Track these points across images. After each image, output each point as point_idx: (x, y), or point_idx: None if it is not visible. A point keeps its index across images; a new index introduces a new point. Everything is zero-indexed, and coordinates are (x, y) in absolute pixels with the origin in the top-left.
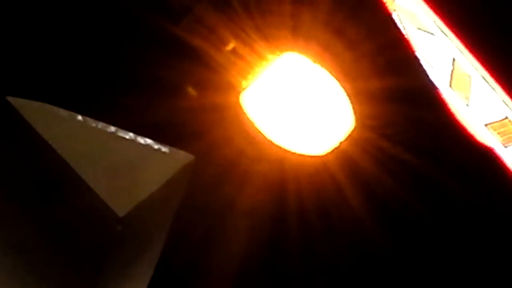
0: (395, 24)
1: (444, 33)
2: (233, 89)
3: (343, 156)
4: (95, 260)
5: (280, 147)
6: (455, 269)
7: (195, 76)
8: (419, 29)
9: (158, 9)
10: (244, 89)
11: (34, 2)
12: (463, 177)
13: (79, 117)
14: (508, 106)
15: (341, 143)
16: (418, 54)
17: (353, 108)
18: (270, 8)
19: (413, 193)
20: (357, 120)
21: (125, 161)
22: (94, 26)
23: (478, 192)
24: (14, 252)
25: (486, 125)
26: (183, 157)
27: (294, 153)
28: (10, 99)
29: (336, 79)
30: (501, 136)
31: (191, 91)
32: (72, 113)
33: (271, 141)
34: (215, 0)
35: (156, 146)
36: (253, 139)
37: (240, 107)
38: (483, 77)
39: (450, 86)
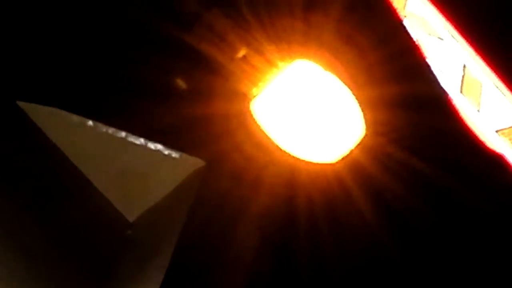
0: (406, 30)
1: (455, 39)
2: (244, 97)
3: (354, 164)
4: (105, 265)
5: (291, 155)
6: (464, 275)
7: (205, 83)
8: (430, 35)
9: (169, 16)
10: (254, 96)
11: (46, 7)
12: (473, 183)
13: (90, 122)
14: None
15: (351, 150)
16: (429, 60)
17: (364, 115)
18: (280, 15)
19: (423, 199)
20: (367, 127)
21: (135, 166)
22: (106, 33)
23: (488, 199)
24: (24, 257)
25: (497, 131)
26: (194, 162)
27: (304, 161)
28: (21, 104)
29: (347, 86)
30: None
31: (180, 83)
32: (82, 118)
33: (282, 149)
34: (225, 7)
35: (166, 152)
36: (264, 146)
37: (251, 114)
38: (494, 83)
39: (461, 92)
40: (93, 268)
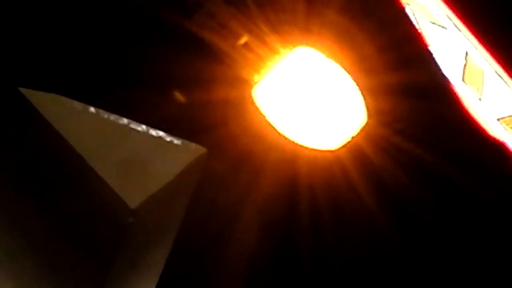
0: (408, 18)
1: (457, 27)
2: (246, 83)
3: (356, 151)
4: (106, 252)
5: (293, 142)
6: (466, 265)
7: (207, 70)
8: (432, 23)
9: (171, 4)
10: (256, 83)
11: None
12: (475, 171)
13: (92, 109)
14: None
15: (353, 137)
16: (431, 48)
17: (366, 102)
18: (282, 2)
19: (424, 187)
20: (369, 114)
21: (137, 153)
22: (108, 21)
23: (490, 186)
24: (27, 245)
25: (498, 119)
26: (196, 149)
27: (306, 148)
28: (23, 90)
29: (349, 73)
30: None
31: (178, 95)
32: (85, 105)
33: (283, 135)
34: None
35: (168, 139)
36: (265, 133)
37: (253, 101)
38: (495, 72)
39: (463, 80)
40: (95, 254)
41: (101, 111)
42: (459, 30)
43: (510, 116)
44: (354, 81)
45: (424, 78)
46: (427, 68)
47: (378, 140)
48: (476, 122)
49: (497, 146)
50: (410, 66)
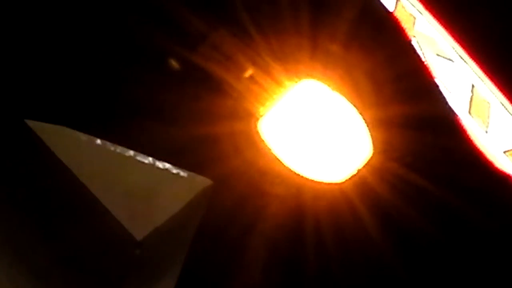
0: (414, 50)
1: (463, 60)
2: (251, 116)
3: (361, 184)
4: (113, 283)
5: (298, 174)
6: None
7: (212, 103)
8: (438, 55)
9: (176, 37)
10: (261, 116)
11: (55, 25)
12: (481, 204)
13: (98, 141)
14: None
15: (359, 170)
16: (437, 80)
17: (371, 135)
18: (288, 34)
19: (430, 220)
20: (375, 147)
21: (143, 185)
22: (115, 53)
23: (496, 219)
24: (31, 276)
25: (505, 152)
26: (202, 182)
27: (312, 181)
28: (29, 122)
29: (355, 106)
30: None
31: (174, 64)
32: (91, 137)
33: (289, 168)
34: (232, 27)
35: (174, 171)
36: (271, 166)
37: (258, 134)
38: (502, 104)
39: (469, 113)
40: (101, 286)
41: (107, 143)
42: (466, 62)
43: None
44: (360, 113)
45: (430, 111)
46: (433, 100)
47: (384, 172)
48: (483, 155)
49: (503, 179)
50: (416, 98)
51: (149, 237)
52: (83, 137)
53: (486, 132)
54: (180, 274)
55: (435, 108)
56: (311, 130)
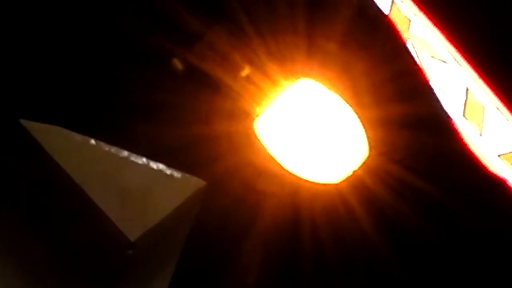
0: (409, 52)
1: (457, 62)
2: (247, 116)
3: (357, 184)
4: (106, 284)
5: (294, 175)
6: None
7: (208, 102)
8: (432, 57)
9: (171, 35)
10: (258, 115)
11: (51, 25)
12: (475, 206)
13: (92, 141)
14: None
15: (355, 171)
16: (431, 82)
17: (367, 135)
18: (284, 34)
19: (426, 220)
20: (371, 147)
21: (137, 185)
22: (108, 54)
23: (490, 222)
24: (25, 276)
25: (499, 155)
26: (195, 182)
27: (308, 181)
28: (23, 121)
29: (350, 106)
30: None
31: (177, 63)
32: (85, 137)
33: (285, 168)
34: (228, 26)
35: (168, 171)
36: (267, 166)
37: (254, 133)
38: (496, 107)
39: (464, 115)
40: (94, 286)
41: (101, 143)
42: (460, 65)
43: (510, 152)
44: (356, 113)
45: (425, 112)
46: (428, 102)
47: (380, 173)
48: (477, 158)
49: (497, 182)
50: (411, 99)
51: (142, 238)
52: (78, 137)
53: (481, 135)
54: (173, 274)
55: (430, 110)
56: (308, 130)
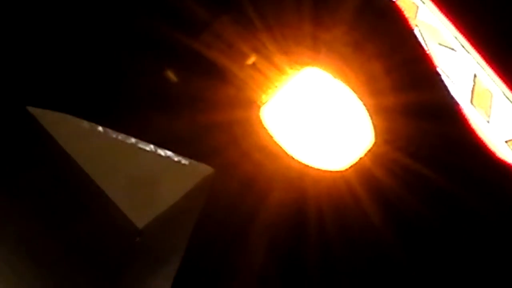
0: (416, 39)
1: (465, 49)
2: (253, 104)
3: (363, 171)
4: (114, 271)
5: (300, 162)
6: (471, 283)
7: (215, 91)
8: (440, 44)
9: (178, 24)
10: (264, 103)
11: (59, 15)
12: (483, 193)
13: (100, 129)
14: None
15: (361, 158)
16: (439, 69)
17: (373, 123)
18: (290, 22)
19: (432, 208)
20: (377, 135)
21: (145, 172)
22: (116, 42)
23: (498, 209)
24: (33, 264)
25: (506, 141)
26: (203, 169)
27: (313, 168)
28: (31, 109)
29: (356, 94)
30: None
31: (171, 75)
32: (93, 124)
33: (291, 156)
34: (234, 14)
35: (176, 159)
36: (273, 153)
37: (260, 121)
38: (504, 94)
39: (471, 102)
40: (101, 274)
41: (109, 130)
42: (468, 52)
43: None
44: (362, 101)
45: (432, 99)
46: (435, 89)
47: (386, 160)
48: (484, 144)
49: (505, 169)
50: (418, 87)
51: (150, 225)
52: (85, 124)
53: (488, 122)
54: (181, 261)
55: (437, 97)
56: (313, 118)
